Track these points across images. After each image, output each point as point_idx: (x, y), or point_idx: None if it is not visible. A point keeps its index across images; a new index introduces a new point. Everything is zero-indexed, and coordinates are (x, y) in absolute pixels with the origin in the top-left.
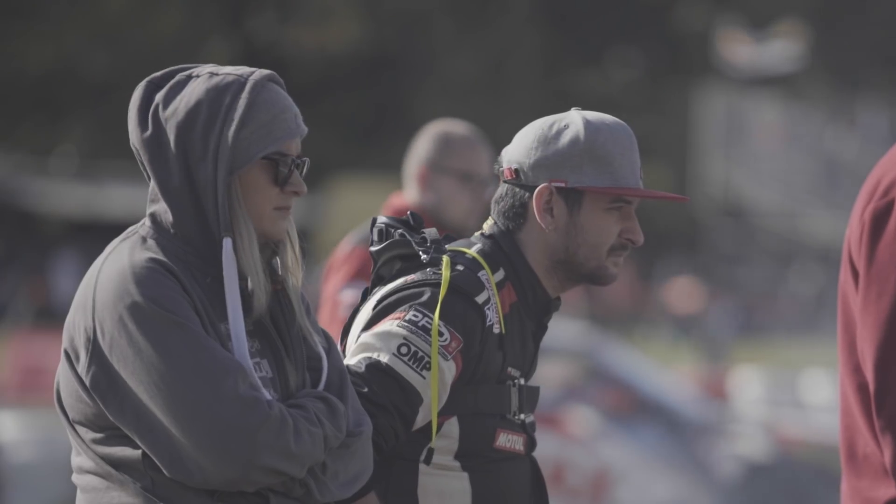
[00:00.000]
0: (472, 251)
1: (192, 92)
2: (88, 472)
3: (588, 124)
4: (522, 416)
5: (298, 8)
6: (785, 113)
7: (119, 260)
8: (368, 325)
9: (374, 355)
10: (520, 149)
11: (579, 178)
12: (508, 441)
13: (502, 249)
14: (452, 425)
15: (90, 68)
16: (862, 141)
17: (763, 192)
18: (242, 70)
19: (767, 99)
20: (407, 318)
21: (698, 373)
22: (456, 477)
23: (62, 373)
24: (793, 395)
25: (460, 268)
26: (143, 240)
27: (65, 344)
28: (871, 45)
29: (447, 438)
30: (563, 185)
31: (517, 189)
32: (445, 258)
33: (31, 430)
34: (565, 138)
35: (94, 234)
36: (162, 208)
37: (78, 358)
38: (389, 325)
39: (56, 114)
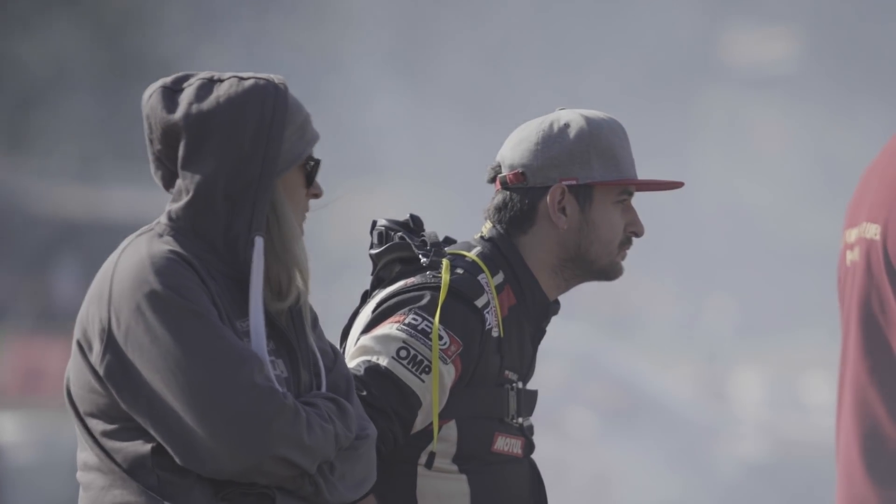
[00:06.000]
0: (472, 254)
1: (231, 94)
2: (92, 468)
3: (588, 119)
4: (520, 419)
5: (295, 9)
6: (785, 113)
7: (137, 252)
8: (368, 328)
9: (373, 359)
10: (521, 151)
11: (589, 174)
12: (506, 444)
13: (501, 252)
14: (451, 429)
15: (91, 67)
16: (863, 142)
17: (763, 192)
18: (262, 75)
19: (768, 99)
20: (406, 321)
21: (698, 374)
22: (454, 479)
23: (73, 365)
24: (793, 396)
25: (460, 271)
26: (160, 235)
27: (77, 336)
28: (872, 44)
29: (445, 442)
30: (574, 182)
31: (524, 193)
32: (445, 261)
33: (31, 432)
34: (570, 134)
35: (94, 236)
36: (183, 206)
37: (91, 348)
38: (389, 328)
39: (57, 114)
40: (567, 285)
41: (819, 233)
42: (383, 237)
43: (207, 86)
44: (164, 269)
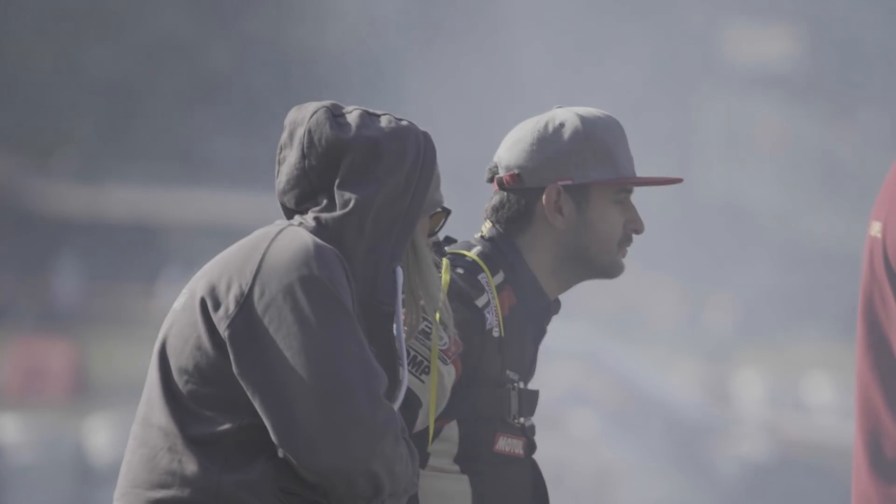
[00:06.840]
0: (472, 253)
1: (394, 128)
2: (154, 425)
3: (583, 119)
4: (522, 419)
5: (298, 7)
6: (786, 113)
7: (300, 237)
8: None
9: None
10: (517, 152)
11: (585, 174)
12: (508, 444)
13: (501, 252)
14: (452, 429)
15: (92, 67)
16: (863, 142)
17: (763, 192)
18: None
19: (768, 99)
20: None
21: (700, 374)
22: (456, 479)
23: (184, 319)
24: (794, 396)
25: (460, 271)
26: (313, 233)
27: (202, 293)
28: (872, 43)
29: (447, 442)
30: (569, 182)
31: (520, 193)
32: (445, 261)
33: (31, 432)
34: (565, 135)
35: (94, 236)
36: (337, 217)
37: (218, 307)
38: None
39: (57, 114)
40: (567, 284)
41: (820, 232)
42: None
43: (367, 116)
44: (329, 260)
